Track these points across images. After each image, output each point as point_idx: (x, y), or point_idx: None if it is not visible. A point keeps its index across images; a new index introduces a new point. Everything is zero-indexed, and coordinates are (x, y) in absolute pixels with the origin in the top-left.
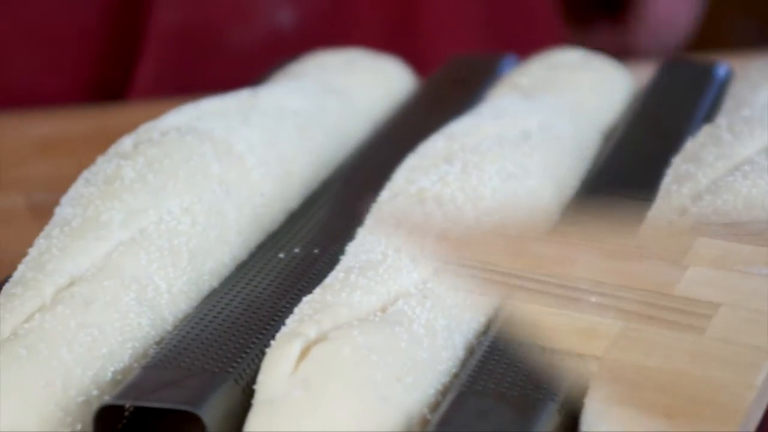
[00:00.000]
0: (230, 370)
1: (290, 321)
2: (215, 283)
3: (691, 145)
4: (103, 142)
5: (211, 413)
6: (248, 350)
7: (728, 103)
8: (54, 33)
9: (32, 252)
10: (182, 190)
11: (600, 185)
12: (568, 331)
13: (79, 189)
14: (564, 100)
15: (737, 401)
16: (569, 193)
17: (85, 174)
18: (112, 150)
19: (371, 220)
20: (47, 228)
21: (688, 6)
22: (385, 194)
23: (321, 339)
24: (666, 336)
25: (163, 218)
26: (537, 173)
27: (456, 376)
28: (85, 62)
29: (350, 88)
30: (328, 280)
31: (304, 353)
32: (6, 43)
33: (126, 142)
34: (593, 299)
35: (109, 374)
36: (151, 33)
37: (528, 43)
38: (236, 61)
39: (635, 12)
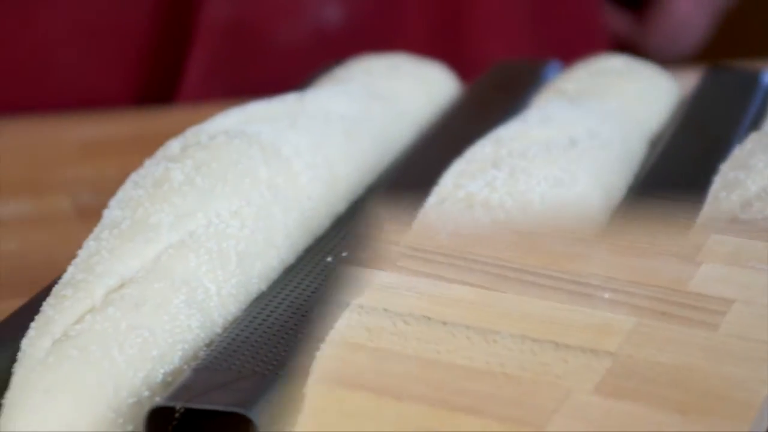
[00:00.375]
0: (280, 373)
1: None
2: (263, 286)
3: (739, 152)
4: (147, 145)
5: (261, 416)
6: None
7: None
8: (102, 34)
9: (81, 254)
10: (230, 193)
11: (648, 191)
12: (581, 327)
13: (127, 191)
14: (610, 107)
15: (751, 397)
16: (617, 199)
17: (133, 176)
18: (160, 153)
19: (418, 225)
20: (96, 230)
21: (705, 14)
22: (433, 199)
23: None
24: (679, 332)
25: (211, 221)
26: (585, 179)
27: None
28: (133, 64)
29: (395, 93)
30: None
31: None
32: (54, 44)
33: (174, 145)
34: (606, 295)
35: (160, 376)
36: (199, 32)
37: (573, 48)
38: (282, 61)
39: (654, 10)
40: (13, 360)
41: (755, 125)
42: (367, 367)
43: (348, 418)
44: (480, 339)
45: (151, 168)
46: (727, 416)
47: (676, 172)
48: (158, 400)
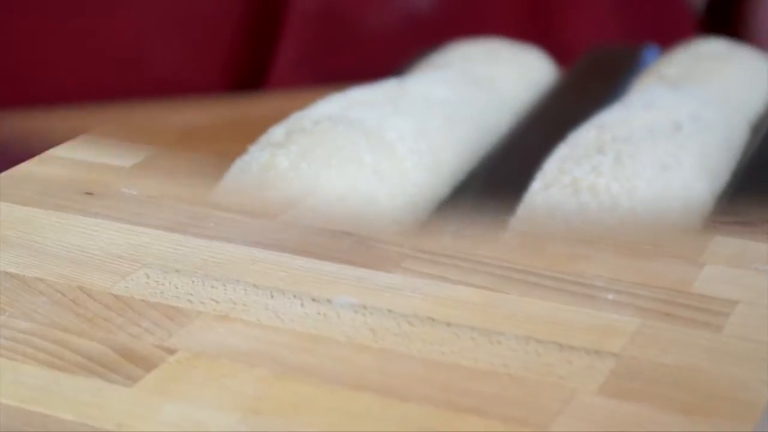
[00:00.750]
0: None
1: None
2: None
3: None
4: (244, 132)
5: None
6: None
7: None
8: (194, 22)
9: None
10: (336, 179)
11: (753, 176)
12: (585, 329)
13: (234, 177)
14: (712, 91)
15: (755, 398)
16: (721, 184)
17: (239, 162)
18: (264, 139)
19: (524, 210)
20: None
21: None
22: (537, 184)
23: None
24: (683, 333)
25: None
26: (690, 164)
27: None
28: (224, 51)
29: (494, 79)
30: None
31: None
32: (146, 33)
33: (278, 131)
34: (610, 297)
35: None
36: (289, 19)
37: (661, 31)
38: (372, 48)
39: (746, 23)
40: None
41: None
42: (372, 368)
43: (352, 418)
44: (484, 340)
45: (257, 154)
46: (730, 417)
47: None
48: None
